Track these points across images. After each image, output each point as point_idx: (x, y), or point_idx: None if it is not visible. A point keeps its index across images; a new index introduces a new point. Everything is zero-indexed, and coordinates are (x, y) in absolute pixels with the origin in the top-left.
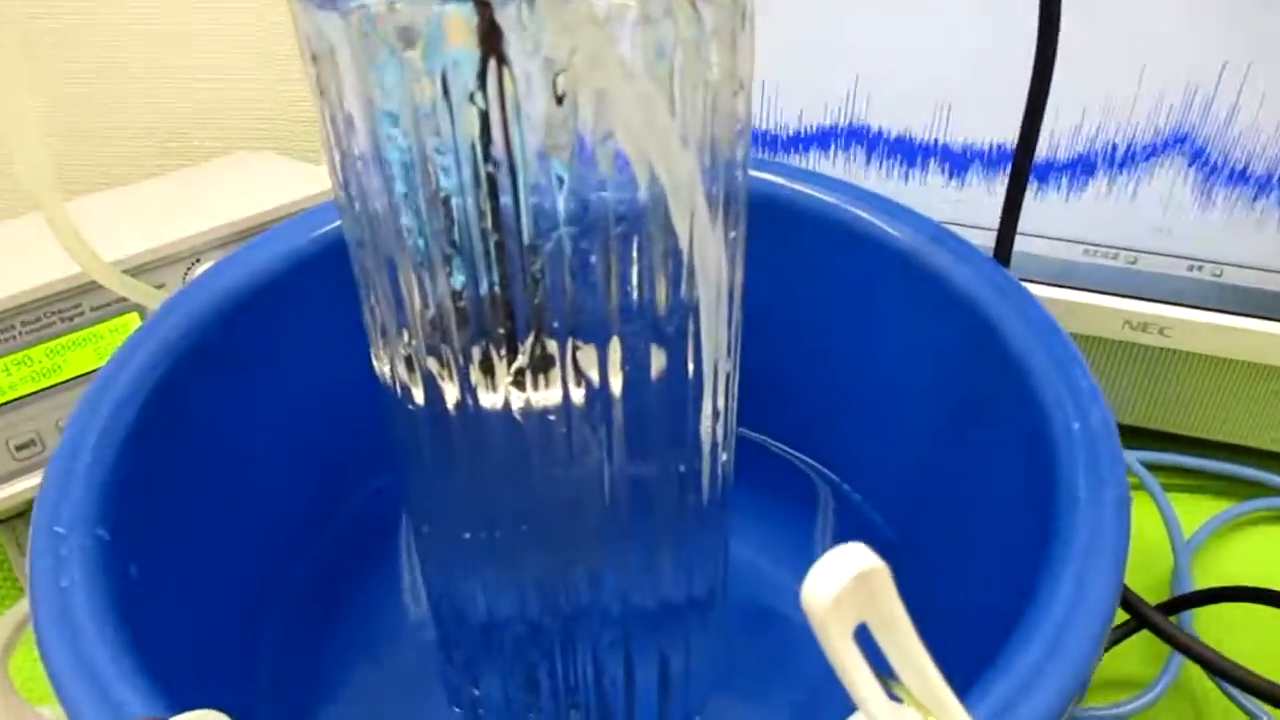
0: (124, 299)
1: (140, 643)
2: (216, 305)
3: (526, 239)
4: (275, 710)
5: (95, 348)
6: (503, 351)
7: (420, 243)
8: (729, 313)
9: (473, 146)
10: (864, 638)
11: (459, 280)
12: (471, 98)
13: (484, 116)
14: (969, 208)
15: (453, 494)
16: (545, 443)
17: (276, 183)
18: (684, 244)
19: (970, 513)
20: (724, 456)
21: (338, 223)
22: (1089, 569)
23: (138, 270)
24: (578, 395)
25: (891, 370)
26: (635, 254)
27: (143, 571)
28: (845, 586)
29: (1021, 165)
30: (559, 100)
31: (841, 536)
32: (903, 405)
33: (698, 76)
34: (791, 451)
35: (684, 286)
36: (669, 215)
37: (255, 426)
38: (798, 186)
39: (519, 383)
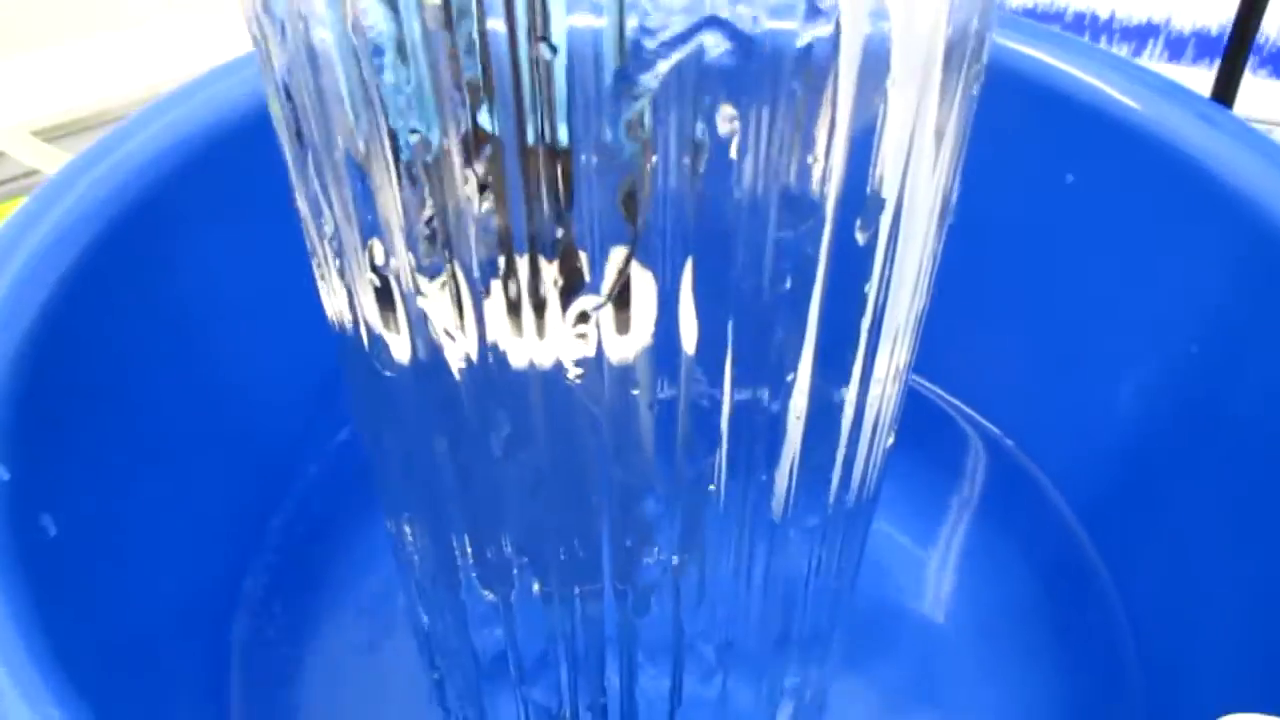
0: (28, 173)
1: (59, 634)
2: (155, 157)
3: (613, 70)
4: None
5: None
6: (558, 275)
7: (417, 73)
8: (942, 224)
9: None
10: None
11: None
12: None
13: None
14: None
15: (455, 499)
16: (621, 423)
17: (220, 37)
18: (901, 110)
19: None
20: (889, 439)
21: None
22: None
23: (49, 137)
24: (689, 344)
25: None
26: (800, 121)
27: (63, 526)
28: None
29: None
30: None
31: (994, 502)
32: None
33: None
34: (929, 385)
35: (874, 179)
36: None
37: (217, 322)
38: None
39: (582, 326)
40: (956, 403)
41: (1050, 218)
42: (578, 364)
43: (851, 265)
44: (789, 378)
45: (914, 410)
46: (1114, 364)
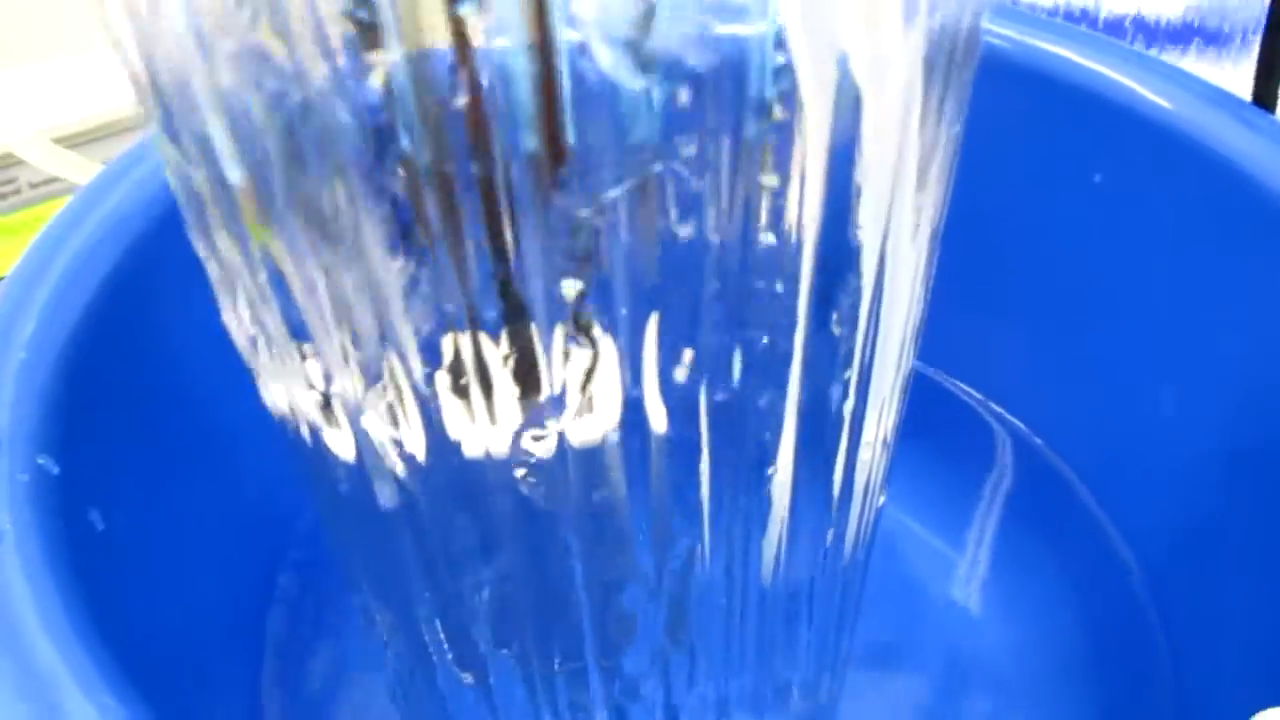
0: (48, 180)
1: (109, 625)
2: None
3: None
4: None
5: (34, 235)
6: (509, 362)
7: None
8: (927, 286)
9: None
10: None
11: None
12: None
13: None
14: None
15: (422, 592)
16: (590, 522)
17: None
18: (877, 159)
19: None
20: (880, 498)
21: None
22: None
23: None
24: (659, 429)
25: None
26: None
27: (109, 522)
28: None
29: None
30: None
31: (1021, 500)
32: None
33: None
34: (956, 382)
35: (851, 225)
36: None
37: None
38: (1010, 32)
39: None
40: (984, 399)
41: (1075, 216)
42: (534, 469)
43: (830, 357)
44: (769, 470)
45: (941, 407)
46: (1144, 364)
